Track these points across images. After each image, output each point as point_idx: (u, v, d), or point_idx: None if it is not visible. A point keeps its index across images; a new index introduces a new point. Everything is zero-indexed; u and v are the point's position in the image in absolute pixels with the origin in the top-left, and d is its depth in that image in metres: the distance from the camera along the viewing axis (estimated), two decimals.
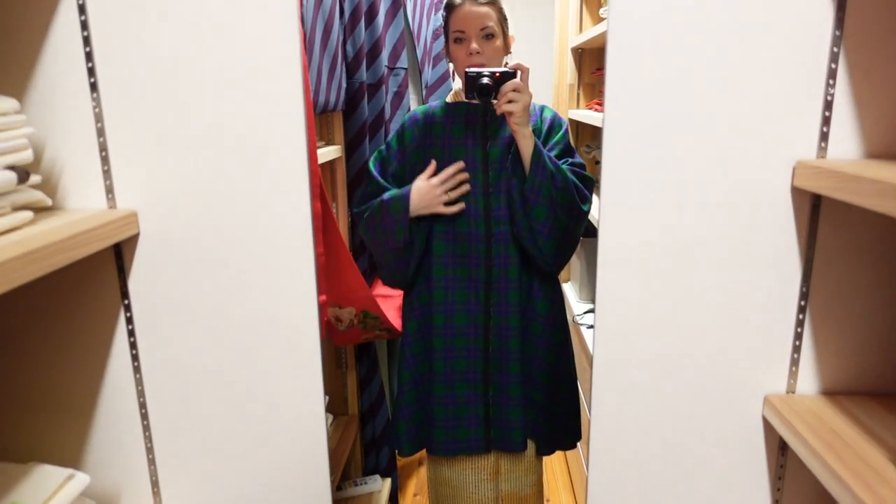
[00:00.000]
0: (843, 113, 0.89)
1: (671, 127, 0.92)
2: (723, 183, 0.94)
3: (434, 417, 1.46)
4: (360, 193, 1.51)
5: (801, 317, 0.97)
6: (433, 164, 1.39)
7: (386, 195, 1.41)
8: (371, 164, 1.48)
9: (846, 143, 0.90)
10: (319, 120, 1.76)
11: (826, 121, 0.90)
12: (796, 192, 0.93)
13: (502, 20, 1.39)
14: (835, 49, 0.88)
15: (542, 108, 1.46)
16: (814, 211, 0.93)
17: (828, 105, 0.90)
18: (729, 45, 0.89)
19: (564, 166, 1.35)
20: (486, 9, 1.35)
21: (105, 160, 0.95)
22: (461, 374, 1.44)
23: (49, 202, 0.89)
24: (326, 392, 1.89)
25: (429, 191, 1.37)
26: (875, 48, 0.87)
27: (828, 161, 0.89)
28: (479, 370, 1.44)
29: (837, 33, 0.87)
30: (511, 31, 1.43)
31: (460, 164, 1.38)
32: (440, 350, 1.44)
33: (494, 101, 1.29)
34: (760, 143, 0.92)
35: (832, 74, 0.88)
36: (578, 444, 1.59)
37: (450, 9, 1.38)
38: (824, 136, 0.90)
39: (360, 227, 1.48)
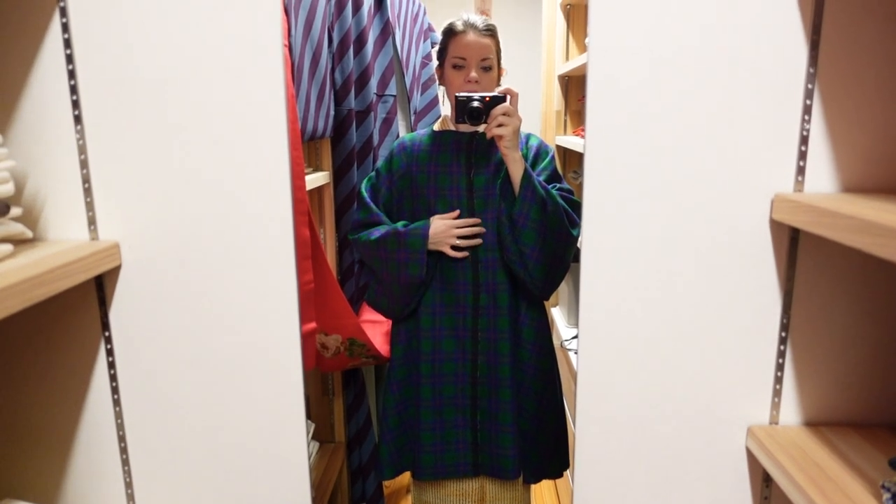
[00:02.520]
0: (818, 147, 0.91)
1: (650, 161, 0.94)
2: (702, 215, 0.95)
3: (421, 442, 1.45)
4: (352, 219, 1.51)
5: (782, 348, 0.97)
6: (457, 212, 1.40)
7: (401, 227, 1.41)
8: (363, 191, 1.49)
9: (823, 177, 0.92)
10: (307, 147, 1.77)
11: (802, 155, 0.91)
12: (775, 225, 0.94)
13: (498, 53, 1.42)
14: (809, 86, 0.89)
15: (528, 136, 1.47)
16: (792, 243, 0.94)
17: (804, 140, 0.91)
18: (706, 80, 0.91)
19: (554, 191, 1.36)
20: (487, 40, 1.37)
21: (88, 192, 0.95)
22: (449, 400, 1.44)
23: (30, 235, 0.89)
24: (313, 419, 1.87)
25: (445, 229, 1.38)
26: (848, 84, 0.89)
27: (805, 195, 0.90)
28: (468, 395, 1.44)
29: (811, 70, 0.89)
30: (517, 65, 1.46)
31: (477, 220, 1.39)
32: (427, 376, 1.44)
33: (484, 125, 1.30)
34: (739, 176, 0.93)
35: (807, 110, 0.90)
36: (567, 472, 1.58)
37: (451, 34, 1.39)
38: (801, 171, 0.92)
39: (363, 255, 1.48)
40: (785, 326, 0.97)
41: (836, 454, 0.91)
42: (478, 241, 1.39)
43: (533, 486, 1.58)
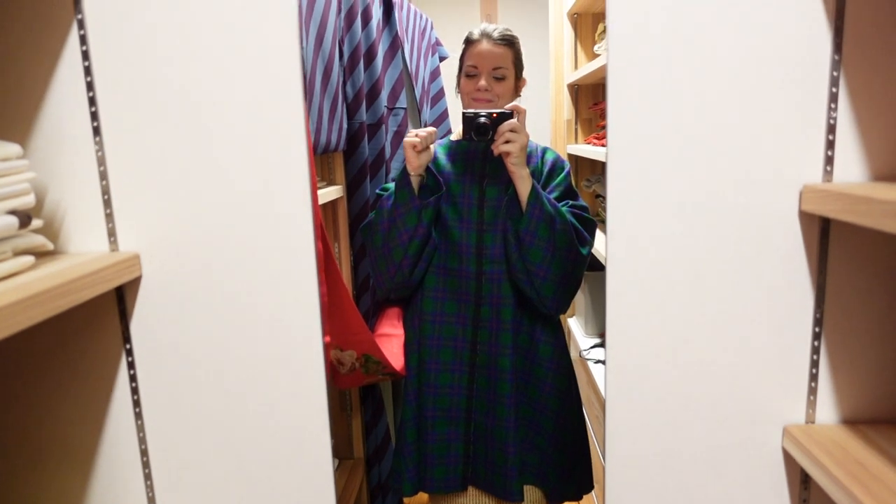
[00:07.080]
0: (846, 136, 0.89)
1: (675, 157, 0.92)
2: (730, 211, 0.93)
3: (426, 455, 1.42)
4: (365, 222, 1.49)
5: (816, 344, 0.95)
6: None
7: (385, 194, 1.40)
8: (377, 192, 1.48)
9: (851, 166, 0.90)
10: (320, 160, 1.76)
11: (830, 144, 0.90)
12: (805, 217, 0.92)
13: (517, 62, 1.40)
14: (834, 73, 0.88)
15: (545, 150, 1.46)
16: (823, 235, 0.92)
17: (831, 129, 0.89)
18: (729, 73, 0.90)
19: (564, 208, 1.34)
20: (501, 50, 1.36)
21: (107, 203, 0.95)
22: (444, 412, 1.41)
23: (51, 246, 0.88)
24: (332, 436, 1.85)
25: (406, 149, 1.32)
26: (875, 70, 0.88)
27: (835, 184, 0.89)
28: (462, 408, 1.40)
29: (836, 57, 0.88)
30: (525, 75, 1.45)
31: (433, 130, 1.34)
32: (429, 386, 1.41)
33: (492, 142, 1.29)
34: (766, 169, 0.91)
35: (833, 98, 0.89)
36: (593, 492, 1.53)
37: (467, 43, 1.40)
38: (829, 160, 0.90)
39: (365, 236, 1.44)
40: (818, 321, 0.94)
41: (879, 451, 0.88)
42: (432, 128, 1.34)
43: None
